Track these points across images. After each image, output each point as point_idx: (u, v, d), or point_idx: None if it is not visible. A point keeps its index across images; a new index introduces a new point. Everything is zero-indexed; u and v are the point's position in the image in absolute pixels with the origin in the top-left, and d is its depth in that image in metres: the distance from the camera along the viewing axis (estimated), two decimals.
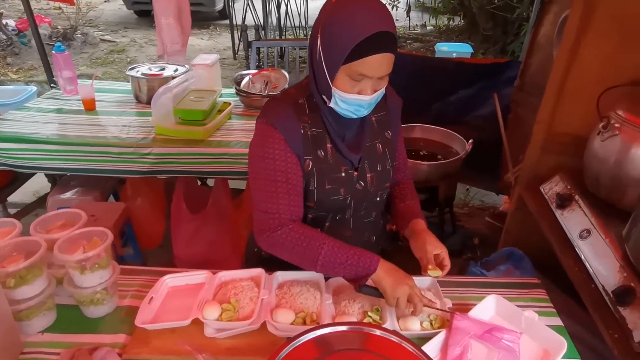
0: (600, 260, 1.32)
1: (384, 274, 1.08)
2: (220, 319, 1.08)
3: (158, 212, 2.63)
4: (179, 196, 2.42)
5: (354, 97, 1.06)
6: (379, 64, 1.02)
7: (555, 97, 1.66)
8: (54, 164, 2.31)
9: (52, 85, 3.07)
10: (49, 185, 3.20)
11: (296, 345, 0.83)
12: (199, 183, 2.96)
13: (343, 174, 1.19)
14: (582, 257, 1.39)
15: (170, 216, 2.45)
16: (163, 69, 2.74)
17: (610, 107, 1.48)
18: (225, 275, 1.22)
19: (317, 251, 1.09)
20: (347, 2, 1.02)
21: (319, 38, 1.06)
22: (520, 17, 5.08)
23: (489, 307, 1.14)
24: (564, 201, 1.57)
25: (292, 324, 1.08)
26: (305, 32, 6.17)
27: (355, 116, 1.12)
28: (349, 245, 1.12)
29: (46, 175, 3.07)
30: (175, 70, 2.72)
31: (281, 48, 4.06)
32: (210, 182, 3.09)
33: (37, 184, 3.28)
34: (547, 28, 2.50)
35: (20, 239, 1.12)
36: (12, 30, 6.70)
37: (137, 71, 2.70)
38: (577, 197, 1.54)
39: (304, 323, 1.09)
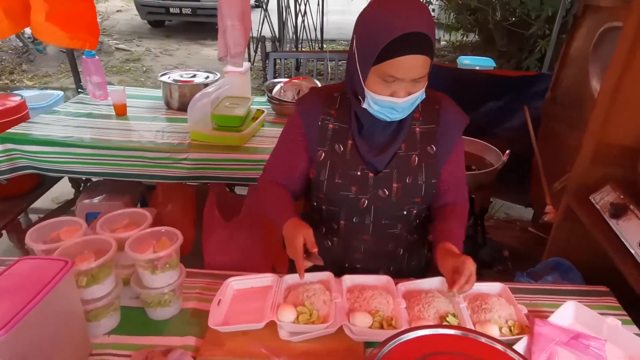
0: None
1: (285, 228, 1.16)
2: (296, 322, 1.06)
3: (188, 219, 2.60)
4: (212, 203, 2.40)
5: (387, 99, 1.04)
6: (410, 65, 0.99)
7: (607, 108, 1.65)
8: (86, 168, 2.29)
9: (79, 90, 3.07)
10: (70, 191, 3.19)
11: (398, 342, 0.81)
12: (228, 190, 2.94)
13: (358, 173, 1.17)
14: None
15: (202, 223, 2.43)
16: (194, 75, 2.75)
17: None
18: (291, 278, 1.20)
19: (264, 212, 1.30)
20: (382, 1, 1.01)
21: (354, 38, 1.06)
22: (536, 34, 5.12)
23: (567, 314, 1.11)
24: (618, 211, 1.55)
25: (369, 327, 1.05)
26: (320, 45, 6.23)
27: (389, 119, 1.09)
28: (283, 208, 1.22)
29: (70, 180, 3.06)
30: (207, 77, 2.73)
31: (297, 60, 4.11)
32: (239, 189, 3.08)
33: (57, 191, 3.24)
34: (580, 42, 2.52)
35: (90, 237, 1.10)
36: (28, 37, 6.75)
37: (169, 77, 2.71)
38: (632, 206, 1.52)
39: (381, 327, 1.06)
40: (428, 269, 1.44)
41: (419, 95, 1.07)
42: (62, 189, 3.19)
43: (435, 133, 1.19)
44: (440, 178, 1.23)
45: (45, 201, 3.27)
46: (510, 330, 1.07)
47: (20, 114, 2.52)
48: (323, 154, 1.20)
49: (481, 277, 2.58)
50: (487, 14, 5.38)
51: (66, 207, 3.02)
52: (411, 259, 1.34)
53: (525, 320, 1.09)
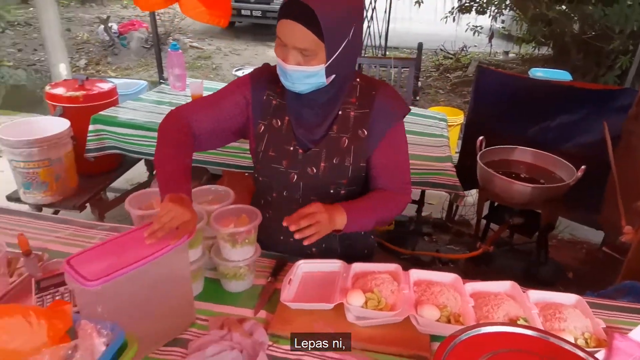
0: None
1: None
2: (365, 307, 1.09)
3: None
4: None
5: (280, 61, 1.13)
6: (289, 30, 1.07)
7: None
8: None
9: (161, 81, 3.29)
10: (143, 175, 3.42)
11: (469, 336, 0.82)
12: None
13: (291, 148, 1.24)
14: None
15: None
16: None
17: None
18: (359, 266, 1.23)
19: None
20: None
21: None
22: (617, 50, 4.85)
23: None
24: None
25: (437, 321, 1.06)
26: (383, 51, 6.25)
27: (287, 86, 1.17)
28: (174, 171, 1.13)
29: (146, 164, 3.28)
30: None
31: (359, 65, 4.19)
32: None
33: (132, 173, 3.47)
34: None
35: None
36: (114, 32, 7.28)
37: (243, 72, 2.84)
38: None
39: (448, 322, 1.07)
40: (373, 256, 1.45)
41: (312, 72, 1.11)
42: (136, 173, 3.42)
43: (368, 117, 1.24)
44: (371, 163, 1.27)
45: (121, 182, 3.52)
46: (587, 342, 1.04)
47: (111, 98, 2.74)
48: (263, 127, 1.27)
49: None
50: (564, 26, 5.17)
51: (139, 189, 3.22)
52: (344, 240, 1.34)
53: (603, 334, 1.05)
